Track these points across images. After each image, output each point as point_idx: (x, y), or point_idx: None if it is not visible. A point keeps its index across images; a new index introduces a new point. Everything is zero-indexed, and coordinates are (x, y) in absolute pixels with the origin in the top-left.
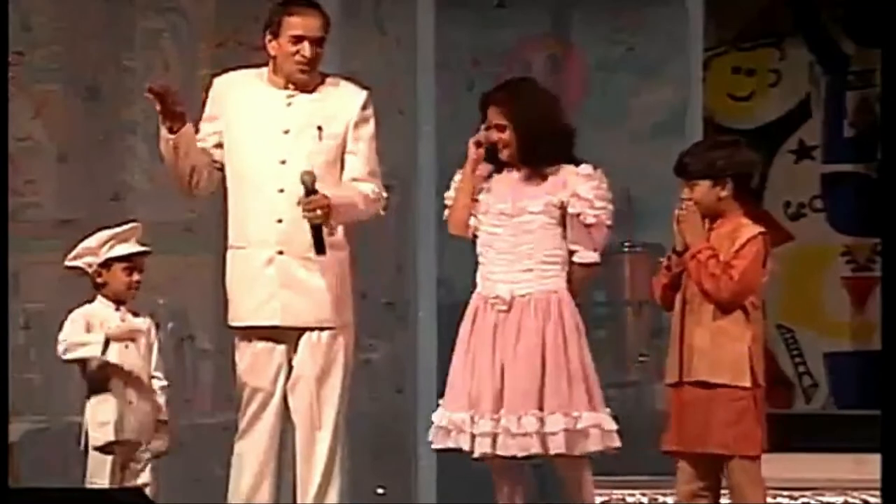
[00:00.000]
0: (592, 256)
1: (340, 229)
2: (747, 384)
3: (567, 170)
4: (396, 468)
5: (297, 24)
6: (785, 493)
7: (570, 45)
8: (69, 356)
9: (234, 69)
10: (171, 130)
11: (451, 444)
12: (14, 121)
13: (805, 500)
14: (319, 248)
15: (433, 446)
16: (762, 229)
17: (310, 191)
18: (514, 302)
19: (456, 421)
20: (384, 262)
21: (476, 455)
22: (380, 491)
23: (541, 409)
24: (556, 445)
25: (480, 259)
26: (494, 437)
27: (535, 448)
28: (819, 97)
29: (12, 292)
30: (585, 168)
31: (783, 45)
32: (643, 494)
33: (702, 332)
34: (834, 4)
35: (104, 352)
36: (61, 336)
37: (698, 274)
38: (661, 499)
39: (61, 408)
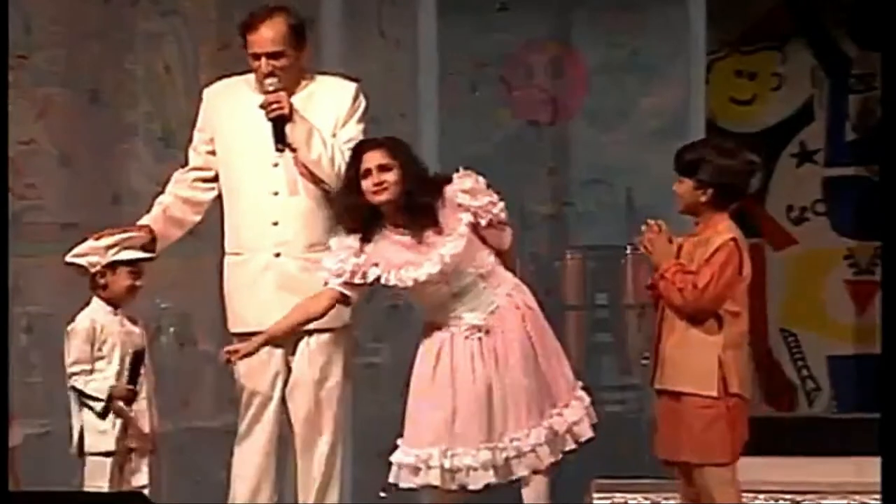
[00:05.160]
0: (510, 235)
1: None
2: (714, 393)
3: (450, 193)
4: None
5: (250, 41)
6: (787, 496)
7: (572, 48)
8: (79, 389)
9: (232, 74)
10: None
11: (419, 482)
12: (16, 124)
13: (807, 503)
14: (279, 141)
15: (402, 485)
16: (734, 236)
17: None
18: (486, 322)
19: (423, 457)
20: None
21: (477, 487)
22: (382, 495)
23: (554, 406)
24: (583, 430)
25: (425, 308)
26: (497, 464)
27: (567, 445)
28: (821, 100)
29: (14, 295)
30: (461, 182)
31: (785, 49)
32: (645, 498)
33: (673, 341)
34: (836, 8)
35: (104, 416)
36: (69, 358)
37: (667, 291)
38: (663, 502)
39: (63, 411)
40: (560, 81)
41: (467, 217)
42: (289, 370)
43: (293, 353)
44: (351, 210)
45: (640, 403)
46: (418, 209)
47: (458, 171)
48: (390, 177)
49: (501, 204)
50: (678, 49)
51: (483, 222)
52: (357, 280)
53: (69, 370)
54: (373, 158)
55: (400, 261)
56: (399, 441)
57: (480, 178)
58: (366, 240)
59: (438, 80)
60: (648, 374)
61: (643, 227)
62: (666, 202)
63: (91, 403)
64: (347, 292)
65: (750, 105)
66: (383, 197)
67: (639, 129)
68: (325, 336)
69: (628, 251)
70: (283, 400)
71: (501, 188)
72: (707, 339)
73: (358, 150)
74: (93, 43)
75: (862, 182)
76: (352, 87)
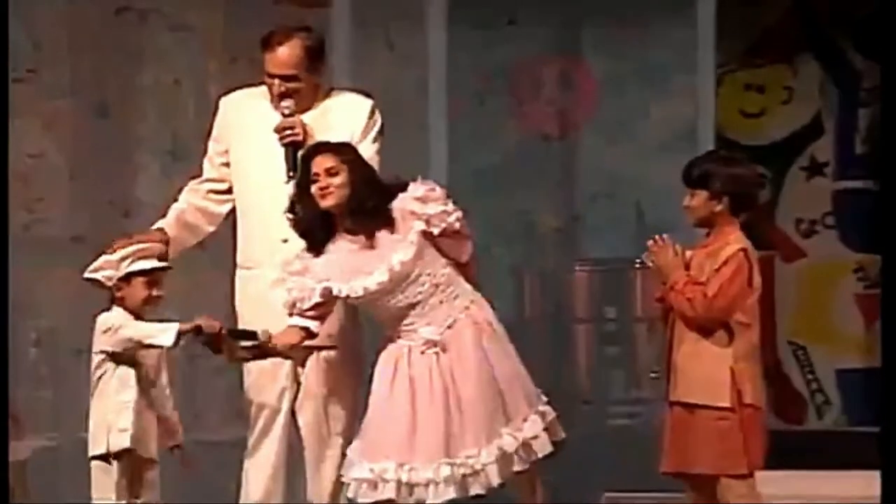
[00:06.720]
0: (469, 248)
1: None
2: (726, 404)
3: (403, 201)
4: None
5: (267, 60)
6: None
7: (580, 61)
8: (145, 342)
9: (243, 87)
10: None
11: (377, 497)
12: (25, 137)
13: None
14: (292, 168)
15: (360, 500)
16: (743, 247)
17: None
18: (443, 337)
19: (377, 470)
20: None
21: (438, 502)
22: None
23: (509, 423)
24: (541, 446)
25: (383, 322)
26: (457, 480)
27: (520, 464)
28: (831, 114)
29: (23, 309)
30: (415, 189)
31: (795, 63)
32: None
33: (683, 352)
34: (845, 21)
35: (176, 343)
36: (113, 327)
37: (678, 303)
38: None
39: (72, 425)
40: (569, 94)
41: (419, 225)
42: (298, 384)
43: (302, 366)
44: (305, 217)
45: (649, 417)
46: (367, 213)
47: (423, 184)
48: (336, 180)
49: (457, 214)
50: (687, 62)
51: (436, 231)
52: (308, 304)
53: (131, 333)
54: (320, 163)
55: (350, 269)
56: (350, 454)
57: (438, 188)
58: (317, 251)
59: (447, 92)
60: (658, 388)
61: (648, 244)
62: (675, 214)
63: (159, 343)
64: (307, 324)
65: (759, 118)
66: (330, 201)
67: (648, 141)
68: (335, 352)
69: (637, 264)
70: (291, 413)
71: (510, 201)
72: (718, 351)
73: (306, 156)
74: (101, 56)
75: (871, 195)
76: (367, 104)
